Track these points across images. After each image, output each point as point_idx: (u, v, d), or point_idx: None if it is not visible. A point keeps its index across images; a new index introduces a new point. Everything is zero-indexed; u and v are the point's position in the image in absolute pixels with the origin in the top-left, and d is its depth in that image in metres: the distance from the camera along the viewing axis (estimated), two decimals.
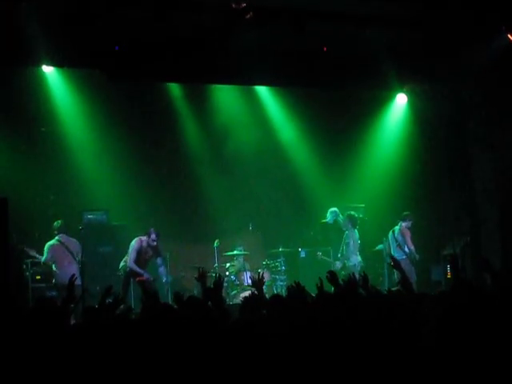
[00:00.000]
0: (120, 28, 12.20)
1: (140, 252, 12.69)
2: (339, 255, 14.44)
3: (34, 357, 5.08)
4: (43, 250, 12.67)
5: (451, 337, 4.61)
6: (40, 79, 13.60)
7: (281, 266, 14.76)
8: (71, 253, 12.47)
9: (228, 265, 14.71)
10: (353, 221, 14.50)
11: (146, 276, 12.55)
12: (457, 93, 15.34)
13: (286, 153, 16.03)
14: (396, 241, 14.27)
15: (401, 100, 16.02)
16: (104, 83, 13.35)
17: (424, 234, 14.84)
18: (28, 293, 12.86)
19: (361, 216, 15.26)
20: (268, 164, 15.89)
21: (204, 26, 12.32)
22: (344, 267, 14.14)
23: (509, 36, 13.20)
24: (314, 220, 15.86)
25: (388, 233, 14.57)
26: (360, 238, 14.50)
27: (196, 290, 14.07)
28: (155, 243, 12.76)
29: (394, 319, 5.19)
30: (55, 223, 12.77)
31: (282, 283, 14.54)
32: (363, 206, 15.68)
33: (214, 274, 14.12)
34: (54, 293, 12.34)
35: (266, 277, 12.91)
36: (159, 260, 13.24)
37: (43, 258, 12.59)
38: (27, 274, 13.03)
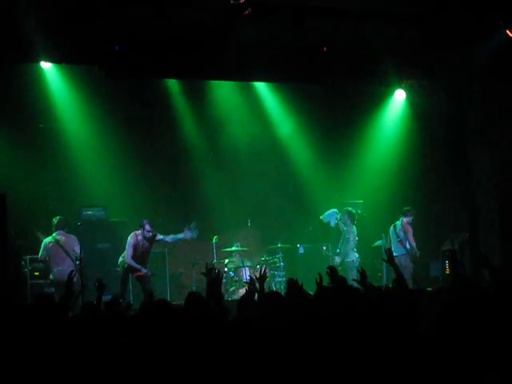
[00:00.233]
0: (118, 24, 12.18)
1: (137, 247, 12.68)
2: (338, 250, 14.46)
3: (33, 352, 5.09)
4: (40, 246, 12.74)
5: (451, 333, 4.61)
6: (38, 75, 13.57)
7: (279, 261, 14.77)
8: (66, 251, 12.44)
9: (227, 261, 14.73)
10: (352, 217, 14.53)
11: (143, 271, 12.54)
12: (455, 89, 15.33)
13: (285, 149, 16.03)
14: (397, 236, 14.24)
15: (399, 96, 16.00)
16: (102, 79, 13.34)
17: (422, 230, 14.83)
18: (26, 289, 12.88)
19: (359, 212, 15.28)
20: (267, 160, 15.90)
21: (202, 22, 12.30)
22: (342, 263, 14.16)
23: (507, 31, 13.19)
24: (312, 216, 15.86)
25: (386, 228, 14.58)
26: (358, 234, 14.53)
27: (194, 286, 14.10)
28: (150, 234, 12.71)
29: (391, 315, 5.19)
30: (53, 220, 12.75)
31: (280, 279, 14.55)
32: (362, 201, 15.70)
33: None
34: (52, 289, 12.34)
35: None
36: (169, 238, 13.14)
37: (39, 255, 12.62)
38: (26, 270, 13.04)
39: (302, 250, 15.48)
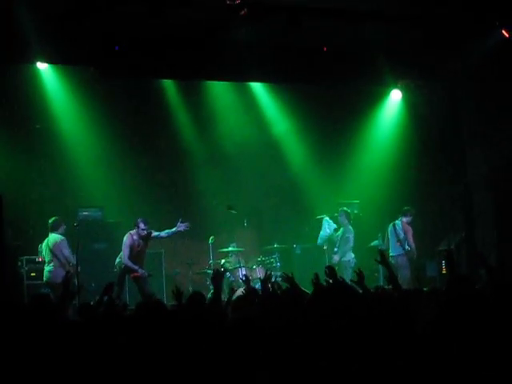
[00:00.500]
0: (114, 25, 12.20)
1: (133, 247, 12.66)
2: (336, 249, 14.44)
3: (29, 352, 5.08)
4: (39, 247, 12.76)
5: (447, 333, 4.61)
6: (34, 76, 13.57)
7: (276, 262, 14.76)
8: (53, 252, 12.44)
9: (223, 261, 14.69)
10: (348, 216, 14.52)
11: (140, 272, 12.53)
12: (452, 89, 15.35)
13: (281, 149, 16.03)
14: (396, 236, 14.18)
15: (395, 96, 16.01)
16: (98, 80, 13.35)
17: (419, 230, 14.83)
18: (23, 289, 12.87)
19: (355, 212, 15.27)
20: (263, 160, 15.88)
21: (198, 22, 12.31)
22: (338, 263, 14.14)
23: (503, 32, 13.21)
24: (308, 216, 15.87)
25: (383, 228, 14.57)
26: (354, 235, 14.52)
27: (191, 287, 14.08)
28: (145, 232, 12.70)
29: (387, 315, 5.19)
30: (49, 221, 12.74)
31: (277, 280, 14.52)
32: (358, 201, 15.69)
33: (209, 271, 14.16)
34: (48, 290, 12.34)
35: (261, 273, 12.92)
36: (164, 233, 13.10)
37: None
38: (22, 270, 13.03)
39: (298, 251, 15.49)
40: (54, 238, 12.49)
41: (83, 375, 4.92)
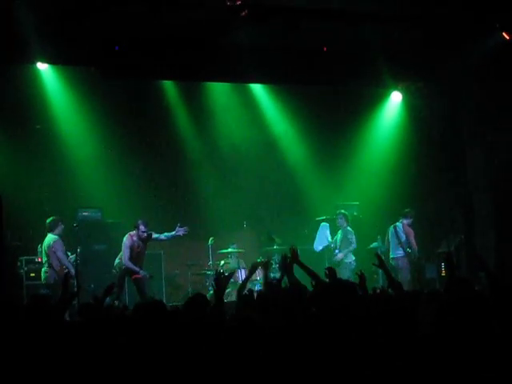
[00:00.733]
0: (114, 25, 12.19)
1: (132, 248, 12.64)
2: (337, 251, 14.42)
3: (29, 352, 5.08)
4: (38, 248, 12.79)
5: (447, 335, 4.61)
6: (35, 76, 13.58)
7: (275, 263, 14.74)
8: (45, 253, 12.42)
9: (222, 262, 14.70)
10: (347, 218, 14.51)
11: (141, 274, 12.49)
12: (452, 91, 15.35)
13: (281, 150, 16.04)
14: (397, 238, 14.15)
15: (396, 98, 16.02)
16: (98, 80, 13.35)
17: (418, 232, 14.81)
18: (22, 290, 12.85)
19: (355, 214, 15.27)
20: (263, 162, 15.88)
21: (199, 23, 12.30)
22: (339, 263, 14.12)
23: (503, 34, 13.21)
24: (308, 218, 15.86)
25: (382, 230, 14.55)
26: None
27: (190, 288, 14.09)
28: (145, 234, 12.69)
29: (387, 316, 5.19)
30: (47, 221, 12.72)
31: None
32: (357, 203, 15.69)
33: (209, 272, 14.16)
34: (48, 290, 12.32)
35: (261, 274, 12.92)
36: (163, 236, 13.08)
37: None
38: (21, 271, 13.02)
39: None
40: (49, 238, 12.44)
41: (83, 375, 4.91)
